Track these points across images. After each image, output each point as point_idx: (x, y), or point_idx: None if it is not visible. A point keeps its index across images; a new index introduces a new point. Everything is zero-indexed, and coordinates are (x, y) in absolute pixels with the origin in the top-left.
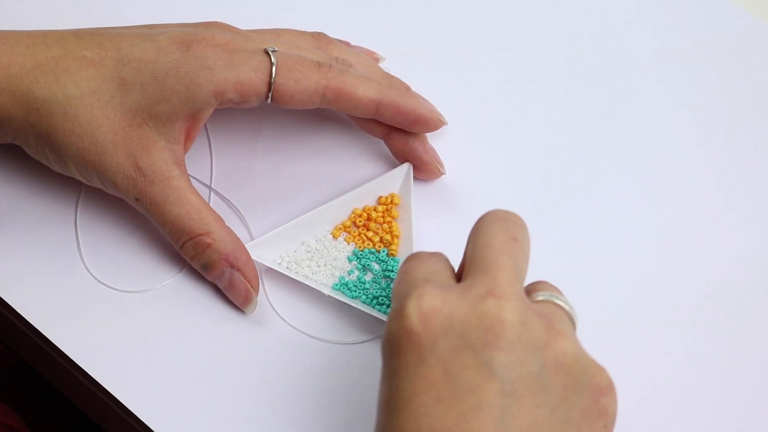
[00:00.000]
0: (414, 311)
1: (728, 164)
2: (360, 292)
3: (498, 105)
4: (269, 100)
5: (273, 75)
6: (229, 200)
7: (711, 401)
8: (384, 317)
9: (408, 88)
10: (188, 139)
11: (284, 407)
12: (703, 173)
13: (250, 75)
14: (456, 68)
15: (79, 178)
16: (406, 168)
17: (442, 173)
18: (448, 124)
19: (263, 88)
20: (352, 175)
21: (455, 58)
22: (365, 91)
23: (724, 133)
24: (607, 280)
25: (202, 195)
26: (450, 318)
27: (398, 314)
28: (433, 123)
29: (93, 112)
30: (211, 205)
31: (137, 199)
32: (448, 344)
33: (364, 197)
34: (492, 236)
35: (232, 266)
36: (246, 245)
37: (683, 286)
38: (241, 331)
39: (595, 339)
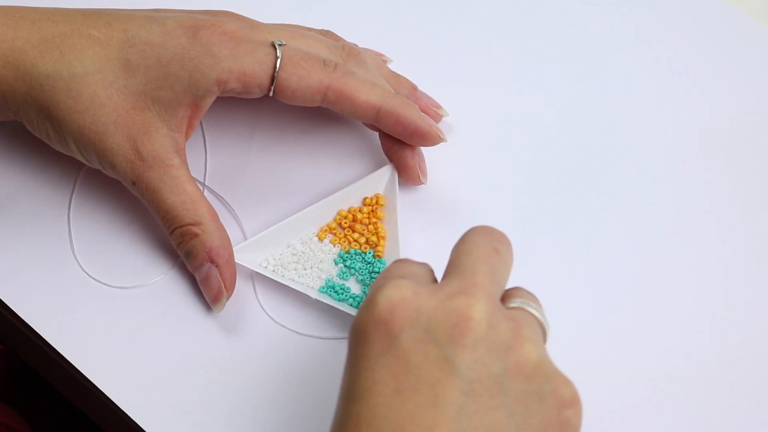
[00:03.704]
0: (384, 300)
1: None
2: (346, 295)
3: (492, 111)
4: (271, 93)
5: (277, 69)
6: (222, 197)
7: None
8: None
9: (414, 88)
10: (190, 126)
11: (276, 402)
12: (696, 187)
13: (254, 67)
14: (451, 77)
15: (78, 156)
16: (389, 169)
17: (422, 182)
18: (446, 141)
19: (266, 81)
20: (343, 176)
21: (450, 68)
22: (367, 96)
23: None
24: (590, 293)
25: None
26: (418, 310)
27: (368, 303)
28: (431, 138)
29: (96, 92)
30: None
31: (134, 183)
32: (413, 336)
33: (349, 198)
34: (474, 245)
35: (212, 262)
36: (233, 248)
37: (669, 301)
38: (232, 329)
39: (586, 347)
